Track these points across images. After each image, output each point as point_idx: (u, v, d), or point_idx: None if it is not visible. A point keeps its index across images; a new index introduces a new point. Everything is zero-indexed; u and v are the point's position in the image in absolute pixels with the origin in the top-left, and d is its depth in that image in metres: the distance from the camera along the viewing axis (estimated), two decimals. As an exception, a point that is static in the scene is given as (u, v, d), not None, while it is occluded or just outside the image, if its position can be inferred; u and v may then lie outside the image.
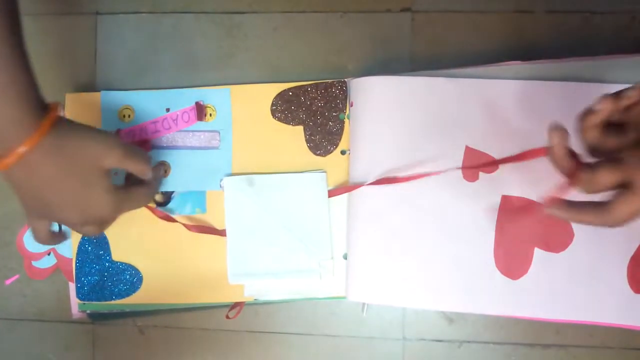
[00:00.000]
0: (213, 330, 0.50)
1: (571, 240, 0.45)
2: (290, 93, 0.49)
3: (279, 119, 0.49)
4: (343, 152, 0.48)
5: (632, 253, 0.45)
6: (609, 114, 0.35)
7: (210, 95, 0.49)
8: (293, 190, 0.48)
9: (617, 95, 0.34)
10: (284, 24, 0.50)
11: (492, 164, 0.45)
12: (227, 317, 0.48)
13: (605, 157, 0.36)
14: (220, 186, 0.49)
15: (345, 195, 0.48)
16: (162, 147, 0.49)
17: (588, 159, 0.36)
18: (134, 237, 0.49)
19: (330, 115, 0.48)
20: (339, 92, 0.48)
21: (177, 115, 0.49)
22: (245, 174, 0.48)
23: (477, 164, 0.45)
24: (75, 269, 0.49)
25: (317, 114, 0.48)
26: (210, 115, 0.49)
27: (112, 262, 0.49)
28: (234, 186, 0.48)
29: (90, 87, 0.51)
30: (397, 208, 0.46)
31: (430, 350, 0.48)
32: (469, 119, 0.46)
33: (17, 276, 0.51)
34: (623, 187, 0.34)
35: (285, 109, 0.49)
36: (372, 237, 0.46)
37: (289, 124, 0.49)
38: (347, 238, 0.48)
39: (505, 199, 0.45)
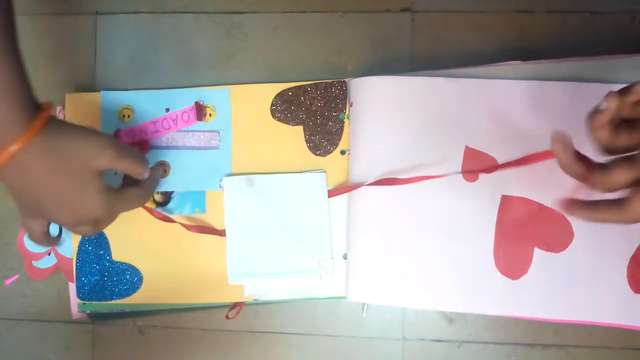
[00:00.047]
0: (213, 330, 0.50)
1: (571, 240, 0.45)
2: (290, 93, 0.49)
3: (279, 119, 0.49)
4: (343, 152, 0.48)
5: (632, 253, 0.44)
6: (616, 112, 0.34)
7: (210, 95, 0.49)
8: (293, 190, 0.48)
9: (623, 91, 0.34)
10: (284, 24, 0.50)
11: (494, 168, 0.45)
12: (227, 317, 0.48)
13: (620, 154, 0.35)
14: (220, 186, 0.49)
15: (345, 195, 0.48)
16: (162, 147, 0.49)
17: (601, 158, 0.36)
18: (134, 237, 0.49)
19: (330, 115, 0.48)
20: (339, 92, 0.48)
21: (177, 115, 0.49)
22: (245, 174, 0.48)
23: (478, 168, 0.45)
24: (76, 269, 0.49)
25: (317, 114, 0.48)
26: (210, 115, 0.49)
27: (112, 262, 0.49)
28: (234, 186, 0.48)
29: (90, 87, 0.51)
30: (397, 208, 0.46)
31: (430, 350, 0.48)
32: (469, 119, 0.46)
33: (17, 276, 0.51)
34: (639, 183, 0.34)
35: (285, 109, 0.49)
36: (372, 237, 0.46)
37: (289, 124, 0.49)
38: (347, 238, 0.48)
39: (505, 199, 0.45)
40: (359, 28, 0.49)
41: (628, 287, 0.44)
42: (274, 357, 0.50)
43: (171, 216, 0.48)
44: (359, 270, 0.46)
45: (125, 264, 0.49)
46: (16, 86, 0.35)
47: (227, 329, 0.50)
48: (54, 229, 0.50)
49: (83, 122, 0.48)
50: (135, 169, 0.42)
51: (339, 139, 0.48)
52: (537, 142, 0.45)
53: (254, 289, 0.48)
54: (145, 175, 0.43)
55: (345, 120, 0.48)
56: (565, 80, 0.45)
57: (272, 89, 0.49)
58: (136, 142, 0.49)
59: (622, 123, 0.35)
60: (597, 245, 0.44)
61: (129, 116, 0.49)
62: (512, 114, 0.45)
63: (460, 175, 0.46)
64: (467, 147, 0.46)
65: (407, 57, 0.49)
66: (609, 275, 0.44)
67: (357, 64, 0.49)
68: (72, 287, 0.50)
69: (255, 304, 0.49)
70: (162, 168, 0.48)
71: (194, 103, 0.49)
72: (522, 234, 0.45)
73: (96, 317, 0.50)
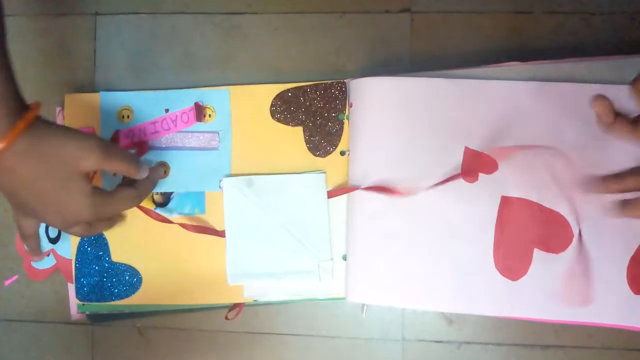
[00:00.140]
0: (212, 331, 0.50)
1: (570, 241, 0.45)
2: (290, 94, 0.48)
3: (279, 120, 0.49)
4: (342, 153, 0.48)
5: (631, 254, 0.44)
6: None
7: (210, 96, 0.49)
8: (292, 191, 0.48)
9: None
10: (283, 24, 0.50)
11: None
12: (227, 318, 0.48)
13: None
14: (220, 187, 0.49)
15: (345, 196, 0.48)
16: (161, 148, 0.49)
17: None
18: (133, 238, 0.49)
19: (329, 116, 0.48)
20: (338, 93, 0.48)
21: (177, 116, 0.49)
22: (244, 174, 0.48)
23: (451, 178, 0.46)
24: (75, 270, 0.49)
25: (316, 115, 0.48)
26: (210, 116, 0.49)
27: (111, 263, 0.49)
28: (234, 187, 0.48)
29: (89, 87, 0.51)
30: (397, 209, 0.46)
31: (430, 351, 0.48)
32: (469, 120, 0.46)
33: (16, 277, 0.51)
34: None
35: (285, 109, 0.49)
36: (371, 238, 0.46)
37: (289, 124, 0.49)
38: (347, 239, 0.48)
39: (505, 200, 0.45)
40: (358, 29, 0.49)
41: (628, 288, 0.44)
42: (274, 358, 0.50)
43: (171, 217, 0.48)
44: (359, 271, 0.46)
45: (125, 265, 0.49)
46: (0, 87, 0.35)
47: (226, 330, 0.50)
48: (53, 230, 0.50)
49: (82, 122, 0.49)
50: (126, 170, 0.41)
51: (339, 140, 0.48)
52: (536, 141, 0.45)
53: (253, 290, 0.48)
54: (140, 175, 0.43)
55: (345, 121, 0.48)
56: (565, 81, 0.45)
57: (272, 90, 0.49)
58: (135, 144, 0.49)
59: None
60: (596, 247, 0.44)
61: (128, 117, 0.49)
62: (511, 115, 0.46)
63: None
64: (466, 148, 0.46)
65: (407, 58, 0.49)
66: (609, 276, 0.44)
67: (356, 65, 0.49)
68: (72, 288, 0.50)
69: (255, 304, 0.49)
70: (163, 169, 0.48)
71: (193, 104, 0.49)
72: (522, 235, 0.45)
73: (95, 318, 0.50)
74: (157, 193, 0.49)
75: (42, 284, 0.51)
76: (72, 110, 0.49)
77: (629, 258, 0.44)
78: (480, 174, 0.46)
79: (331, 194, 0.48)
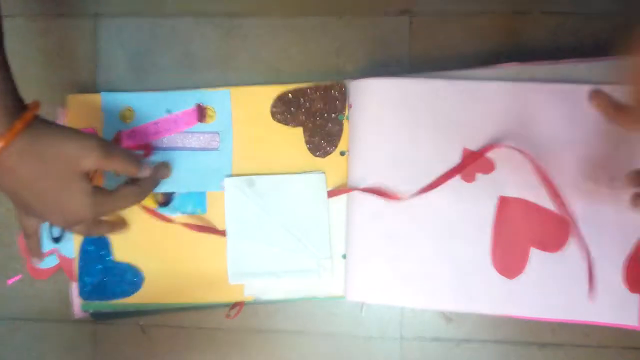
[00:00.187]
0: (213, 329, 0.50)
1: (567, 240, 0.45)
2: (290, 95, 0.49)
3: (279, 121, 0.49)
4: (342, 153, 0.49)
5: (628, 253, 0.45)
6: None
7: (211, 97, 0.49)
8: (293, 191, 0.48)
9: None
10: (283, 26, 0.50)
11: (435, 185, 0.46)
12: (228, 316, 0.48)
13: None
14: (221, 187, 0.49)
15: (345, 195, 0.48)
16: (163, 149, 0.49)
17: None
18: (135, 238, 0.49)
19: (329, 117, 0.49)
20: (338, 94, 0.48)
21: (178, 117, 0.49)
22: (245, 174, 0.49)
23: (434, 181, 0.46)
24: (78, 269, 0.49)
25: (316, 116, 0.49)
26: (211, 116, 0.49)
27: (113, 262, 0.49)
28: (234, 187, 0.49)
29: (90, 88, 0.51)
30: (396, 208, 0.46)
31: (428, 349, 0.49)
32: (467, 121, 0.46)
33: (19, 276, 0.52)
34: None
35: (285, 110, 0.49)
36: (370, 238, 0.47)
37: (289, 125, 0.49)
38: (346, 238, 0.48)
39: (503, 200, 0.46)
40: (358, 30, 0.50)
41: (624, 286, 0.45)
42: (274, 356, 0.50)
43: (172, 217, 0.49)
44: (358, 270, 0.47)
45: (127, 264, 0.49)
46: None
47: (227, 328, 0.50)
48: (56, 230, 0.51)
49: (85, 123, 0.49)
50: (127, 169, 0.41)
51: (339, 140, 0.49)
52: (534, 142, 0.45)
53: (254, 289, 0.49)
54: (142, 173, 0.43)
55: (345, 121, 0.49)
56: (563, 82, 0.45)
57: (272, 91, 0.49)
58: (139, 146, 0.49)
59: None
60: (593, 245, 0.45)
61: (129, 117, 0.50)
62: (509, 116, 0.46)
63: (458, 176, 0.46)
64: (465, 149, 0.46)
65: (406, 59, 0.49)
66: (605, 274, 0.45)
67: (356, 66, 0.50)
68: (75, 287, 0.50)
69: (255, 303, 0.49)
70: (167, 169, 0.48)
71: (194, 105, 0.49)
72: (519, 234, 0.46)
73: (98, 317, 0.51)
74: (158, 193, 0.49)
75: (45, 283, 0.51)
76: (75, 111, 0.50)
77: (625, 257, 0.45)
78: (478, 174, 0.46)
79: (331, 194, 0.48)
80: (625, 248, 0.45)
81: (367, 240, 0.47)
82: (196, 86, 0.50)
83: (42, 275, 0.51)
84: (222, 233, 0.48)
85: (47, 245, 0.50)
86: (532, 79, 0.46)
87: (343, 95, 0.48)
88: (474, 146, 0.46)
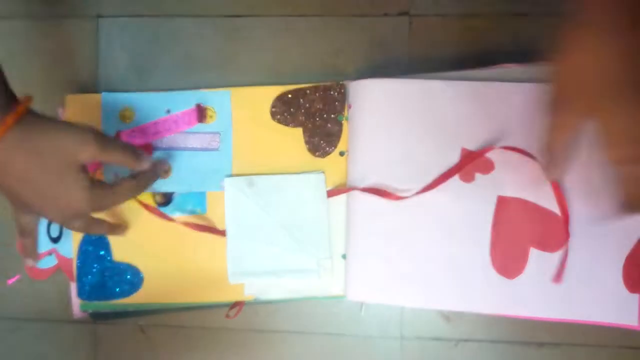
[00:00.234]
0: (213, 329, 0.50)
1: (566, 240, 0.45)
2: (290, 95, 0.49)
3: (279, 121, 0.49)
4: (342, 154, 0.49)
5: (627, 252, 0.45)
6: None
7: (211, 97, 0.50)
8: (292, 190, 0.48)
9: None
10: (283, 27, 0.51)
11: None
12: (227, 316, 0.48)
13: None
14: (221, 187, 0.49)
15: (344, 195, 0.48)
16: (163, 149, 0.49)
17: None
18: (134, 238, 0.49)
19: (328, 117, 0.49)
20: (338, 95, 0.49)
21: (178, 117, 0.49)
22: (245, 174, 0.49)
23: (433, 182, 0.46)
24: (76, 269, 0.49)
25: (316, 116, 0.49)
26: (211, 117, 0.49)
27: (113, 262, 0.49)
28: (234, 187, 0.49)
29: (92, 89, 0.51)
30: (395, 208, 0.46)
31: (428, 348, 0.49)
32: (466, 121, 0.46)
33: (18, 276, 0.52)
34: None
35: (285, 110, 0.49)
36: (370, 237, 0.47)
37: (288, 125, 0.49)
38: (346, 238, 0.48)
39: (501, 200, 0.46)
40: (357, 31, 0.50)
41: (623, 286, 0.45)
42: (274, 356, 0.50)
43: (172, 216, 0.49)
44: (358, 270, 0.47)
45: (126, 264, 0.49)
46: None
47: (227, 328, 0.50)
48: (55, 229, 0.50)
49: (84, 123, 0.50)
50: (125, 161, 0.41)
51: (338, 141, 0.49)
52: (533, 142, 0.45)
53: (254, 288, 0.49)
54: (141, 166, 0.42)
55: (344, 122, 0.49)
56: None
57: (272, 92, 0.49)
58: (140, 146, 0.49)
59: None
60: (592, 245, 0.45)
61: (129, 117, 0.50)
62: (508, 117, 0.46)
63: (457, 176, 0.46)
64: (463, 149, 0.46)
65: (405, 60, 0.49)
66: (604, 274, 0.45)
67: (355, 67, 0.50)
68: (74, 287, 0.50)
69: (255, 303, 0.49)
70: (166, 164, 0.48)
71: (194, 105, 0.49)
72: (518, 234, 0.46)
73: (98, 317, 0.51)
74: (158, 193, 0.50)
75: (44, 283, 0.51)
76: (73, 111, 0.50)
77: (624, 257, 0.45)
78: (478, 174, 0.46)
79: (331, 194, 0.48)
80: (624, 248, 0.45)
81: (366, 240, 0.47)
82: (196, 86, 0.50)
83: (41, 275, 0.51)
84: (222, 233, 0.49)
85: (46, 245, 0.50)
86: (531, 80, 0.46)
87: (342, 96, 0.49)
88: (472, 146, 0.46)
